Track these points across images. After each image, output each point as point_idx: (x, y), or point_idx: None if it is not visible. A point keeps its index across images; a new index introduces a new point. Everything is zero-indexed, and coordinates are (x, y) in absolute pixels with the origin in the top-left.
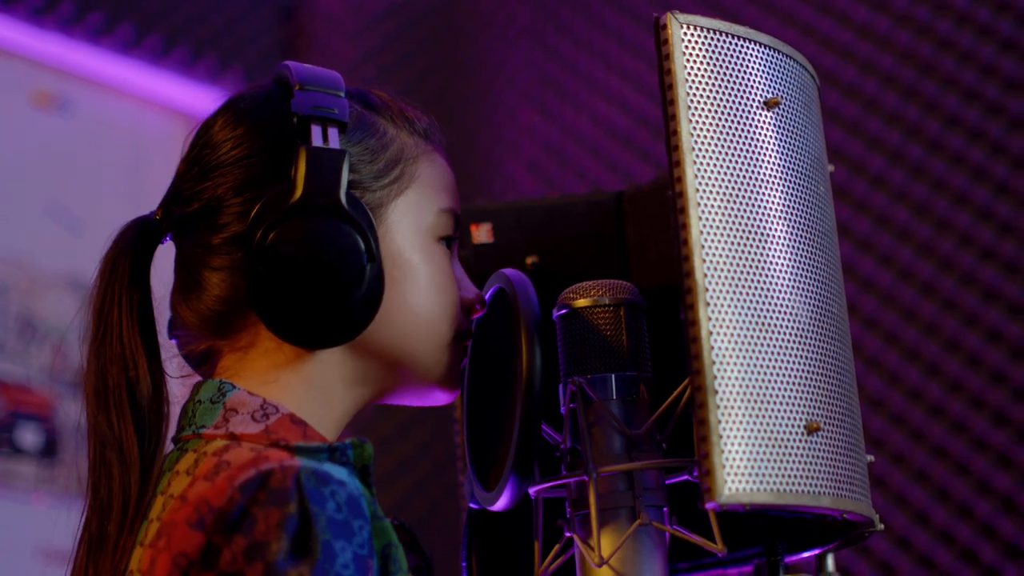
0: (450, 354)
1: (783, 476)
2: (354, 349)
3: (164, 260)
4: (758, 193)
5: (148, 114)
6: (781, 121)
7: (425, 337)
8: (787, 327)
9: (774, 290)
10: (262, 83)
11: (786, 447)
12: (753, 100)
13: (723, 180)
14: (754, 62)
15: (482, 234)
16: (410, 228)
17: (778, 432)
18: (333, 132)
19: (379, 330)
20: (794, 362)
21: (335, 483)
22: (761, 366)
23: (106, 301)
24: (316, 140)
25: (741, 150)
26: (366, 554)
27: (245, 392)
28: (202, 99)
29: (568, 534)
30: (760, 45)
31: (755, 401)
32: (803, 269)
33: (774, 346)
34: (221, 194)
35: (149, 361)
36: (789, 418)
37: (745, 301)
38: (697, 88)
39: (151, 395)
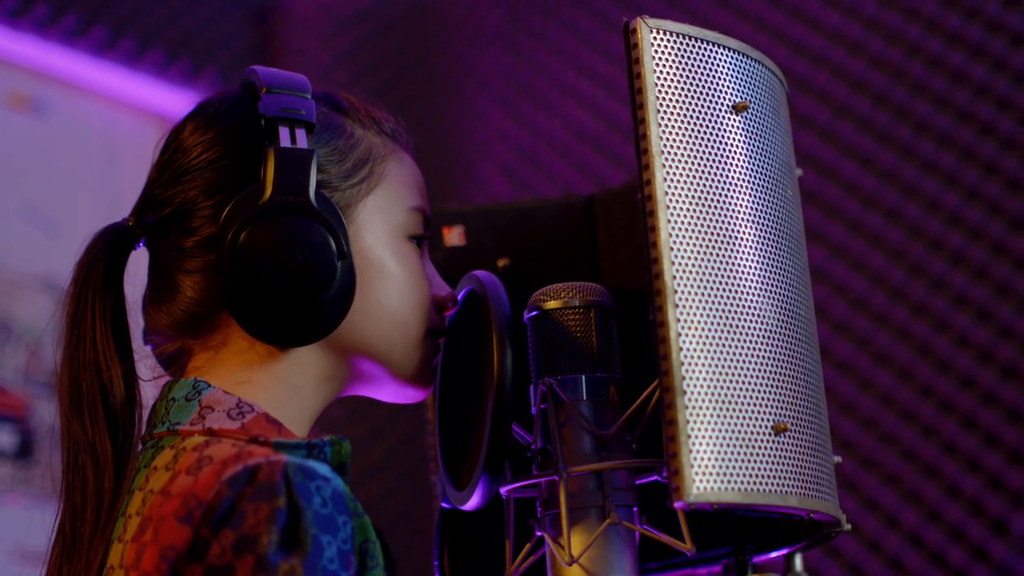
0: (422, 350)
1: (750, 476)
2: (326, 347)
3: (137, 266)
4: (727, 196)
5: (122, 116)
6: (749, 125)
7: (397, 334)
8: (755, 328)
9: (742, 292)
10: (231, 88)
11: (754, 447)
12: (722, 104)
13: (692, 183)
14: (723, 66)
15: (454, 236)
16: (380, 227)
17: (746, 432)
18: (301, 133)
19: (351, 328)
20: (762, 363)
21: (320, 478)
22: (729, 367)
23: (79, 307)
24: (284, 141)
25: (710, 153)
26: (349, 549)
27: (220, 391)
28: (176, 101)
29: (539, 533)
30: (729, 50)
31: (723, 401)
32: (771, 271)
33: (742, 347)
34: (192, 197)
35: (122, 366)
36: (757, 418)
37: (714, 303)
38: (666, 92)
39: (124, 399)
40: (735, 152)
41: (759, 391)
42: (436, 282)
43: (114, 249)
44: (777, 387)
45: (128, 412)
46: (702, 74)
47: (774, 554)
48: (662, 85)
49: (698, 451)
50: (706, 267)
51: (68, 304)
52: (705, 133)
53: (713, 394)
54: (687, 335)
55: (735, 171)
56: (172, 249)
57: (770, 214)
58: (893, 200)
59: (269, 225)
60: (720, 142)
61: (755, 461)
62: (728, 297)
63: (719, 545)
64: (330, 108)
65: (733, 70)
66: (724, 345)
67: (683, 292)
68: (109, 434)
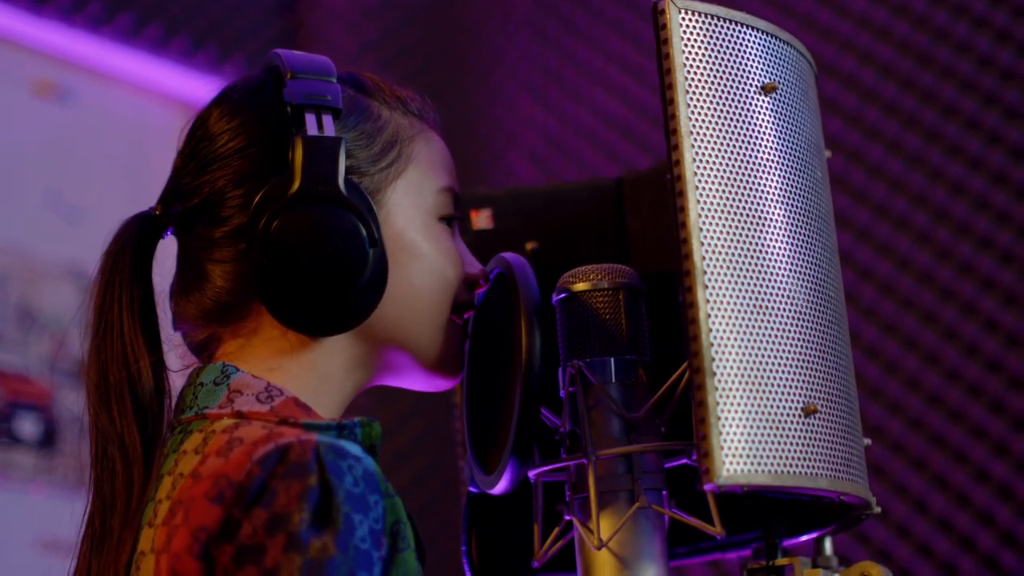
0: (452, 335)
1: (781, 458)
2: (358, 334)
3: (163, 255)
4: (756, 177)
5: (148, 104)
6: (778, 106)
7: (427, 317)
8: (785, 310)
9: (772, 273)
10: (254, 73)
11: (784, 429)
12: (751, 85)
13: (721, 164)
14: (752, 47)
15: (482, 220)
16: (411, 209)
17: (776, 414)
18: (327, 119)
19: (383, 313)
20: (792, 345)
21: (352, 457)
22: (759, 348)
23: (107, 297)
24: (311, 128)
25: (739, 134)
26: (380, 529)
27: (249, 375)
28: (203, 89)
29: (567, 517)
30: (757, 31)
31: (753, 383)
32: (801, 252)
33: (772, 329)
34: (221, 187)
35: (151, 357)
36: (787, 400)
37: (743, 284)
38: (695, 73)
39: (152, 390)
40: (764, 133)
41: (789, 372)
42: (468, 260)
43: (142, 238)
44: (807, 368)
45: (157, 403)
46: (731, 55)
47: (804, 538)
48: (691, 66)
49: (728, 433)
50: (736, 248)
51: (95, 295)
52: (734, 114)
53: (743, 376)
54: (717, 316)
55: (764, 152)
56: (201, 239)
57: (799, 195)
58: (920, 184)
59: (299, 215)
60: (749, 123)
61: (785, 443)
62: (758, 278)
63: (749, 529)
64: (356, 90)
65: (762, 51)
66: (754, 326)
67: (713, 273)
68: (138, 426)
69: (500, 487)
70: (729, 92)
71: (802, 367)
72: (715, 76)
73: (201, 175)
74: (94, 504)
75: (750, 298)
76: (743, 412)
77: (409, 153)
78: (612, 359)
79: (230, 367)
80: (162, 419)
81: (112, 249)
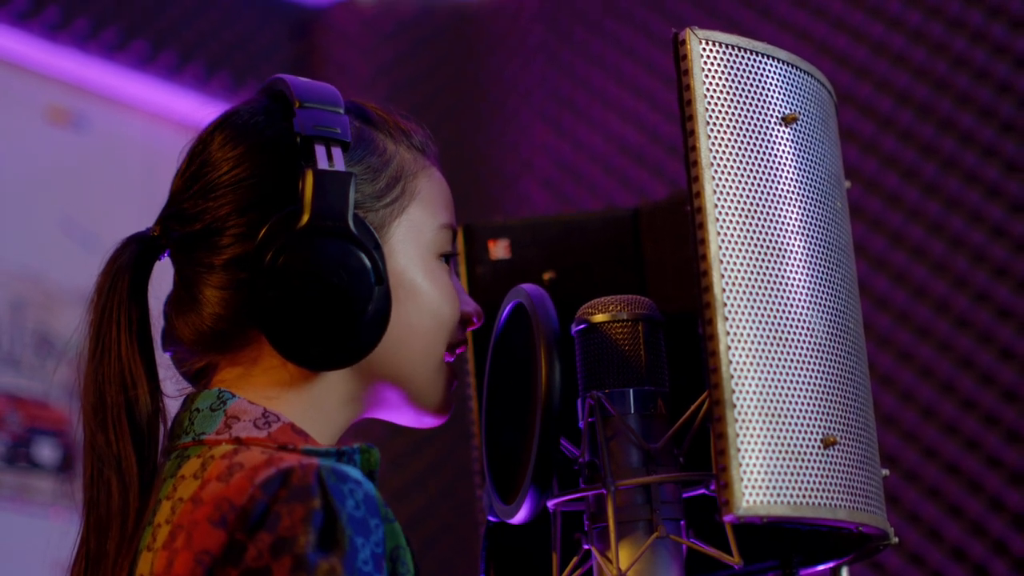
0: (444, 376)
1: (800, 489)
2: (355, 369)
3: (162, 276)
4: (776, 208)
5: (163, 130)
6: (799, 137)
7: (422, 356)
8: (804, 341)
9: (792, 304)
10: (258, 98)
11: (803, 460)
12: (771, 116)
13: (741, 195)
14: (772, 78)
15: (499, 250)
16: (412, 247)
17: (795, 445)
18: (337, 152)
19: (380, 350)
20: (811, 376)
21: (352, 481)
22: (779, 380)
23: (104, 319)
24: (321, 160)
25: (759, 165)
26: (381, 552)
27: (245, 401)
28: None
29: (586, 547)
30: (778, 61)
31: (772, 415)
32: (820, 284)
33: (791, 360)
34: (223, 215)
35: (148, 379)
36: (806, 431)
37: (763, 315)
38: (715, 103)
39: (150, 413)
40: (784, 164)
41: (808, 404)
42: (463, 298)
43: (139, 259)
44: (826, 400)
45: (153, 426)
46: (751, 85)
47: (821, 567)
48: (711, 96)
49: (748, 464)
50: (755, 279)
51: (92, 316)
52: (754, 145)
53: (762, 407)
54: (737, 348)
55: (785, 183)
56: (200, 264)
57: (819, 226)
58: (936, 212)
59: (308, 250)
60: (769, 154)
61: (805, 474)
62: (777, 309)
63: (766, 558)
64: (362, 122)
65: (782, 81)
66: (773, 358)
67: (732, 305)
68: (134, 448)
69: (519, 517)
70: (749, 123)
71: (821, 399)
72: (736, 107)
73: (203, 201)
74: (89, 526)
75: (770, 330)
76: (763, 443)
77: (412, 189)
78: (631, 390)
79: (226, 393)
80: (157, 442)
81: (109, 270)
